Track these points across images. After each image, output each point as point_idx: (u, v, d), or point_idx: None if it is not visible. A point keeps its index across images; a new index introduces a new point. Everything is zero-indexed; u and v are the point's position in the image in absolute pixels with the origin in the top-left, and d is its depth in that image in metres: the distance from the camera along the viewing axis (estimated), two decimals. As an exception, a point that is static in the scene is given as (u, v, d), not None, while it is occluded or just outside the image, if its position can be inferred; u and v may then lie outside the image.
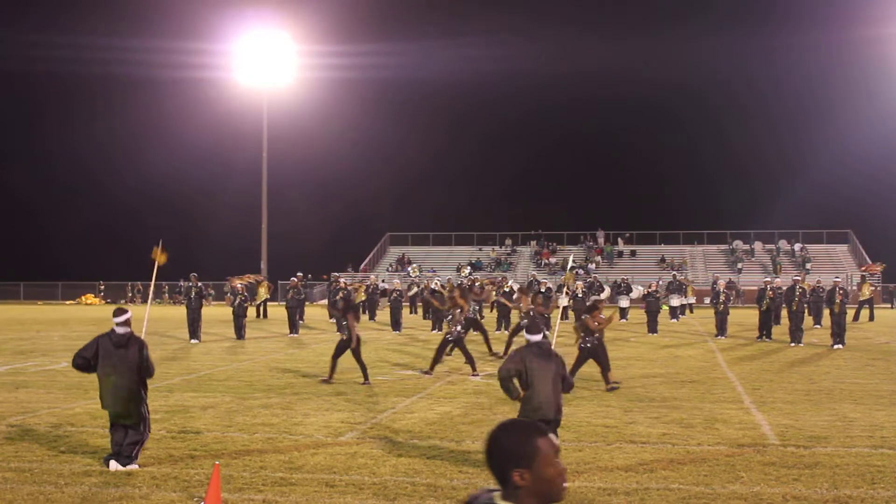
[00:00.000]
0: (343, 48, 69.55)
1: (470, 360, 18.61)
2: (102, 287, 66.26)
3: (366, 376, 16.90)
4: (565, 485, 3.20)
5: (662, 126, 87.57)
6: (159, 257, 16.09)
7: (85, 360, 10.23)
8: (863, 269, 37.66)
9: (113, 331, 10.27)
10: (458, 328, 19.03)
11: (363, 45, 74.56)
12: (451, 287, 22.14)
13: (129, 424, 9.98)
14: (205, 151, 78.09)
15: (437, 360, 18.92)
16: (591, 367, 18.93)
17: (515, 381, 9.66)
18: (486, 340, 22.75)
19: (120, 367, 10.06)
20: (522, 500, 3.17)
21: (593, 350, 16.10)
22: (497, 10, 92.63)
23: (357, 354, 17.11)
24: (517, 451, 3.16)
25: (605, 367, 16.07)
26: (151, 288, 16.46)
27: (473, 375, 18.12)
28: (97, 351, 10.16)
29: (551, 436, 3.23)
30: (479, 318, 23.77)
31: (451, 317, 19.57)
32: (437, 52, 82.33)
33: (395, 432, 11.92)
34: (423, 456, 10.45)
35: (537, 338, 9.80)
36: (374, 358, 22.03)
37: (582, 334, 16.21)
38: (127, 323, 10.28)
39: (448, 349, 19.77)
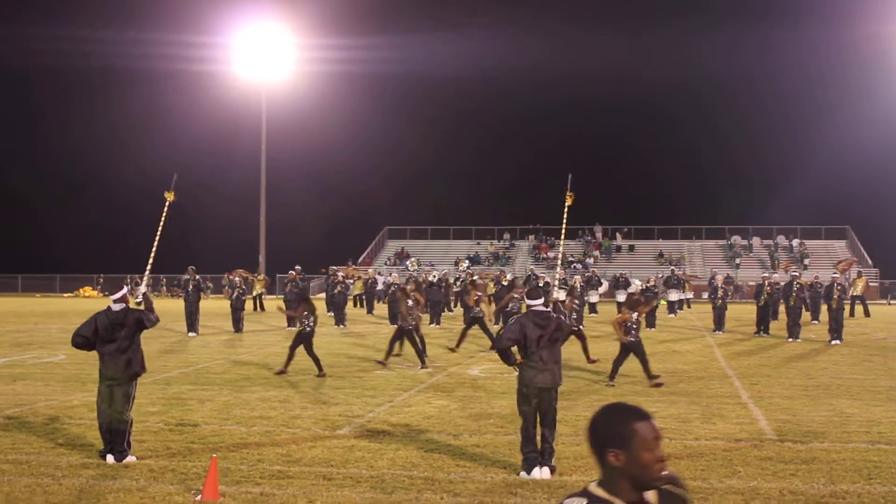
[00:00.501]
0: (342, 41, 69.54)
1: (419, 352, 18.74)
2: (101, 280, 66.23)
3: (319, 368, 17.20)
4: (664, 472, 3.20)
5: (661, 122, 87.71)
6: (169, 195, 16.27)
7: (84, 339, 10.33)
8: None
9: (109, 308, 10.37)
10: (412, 320, 19.06)
11: (362, 39, 74.52)
12: (414, 284, 22.37)
13: (115, 398, 9.99)
14: (203, 145, 78.08)
15: (390, 351, 19.14)
16: (601, 364, 18.96)
17: (514, 348, 9.67)
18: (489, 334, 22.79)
19: (119, 342, 10.17)
20: (616, 483, 3.18)
21: (636, 345, 16.01)
22: (498, 5, 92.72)
23: (308, 348, 17.45)
24: (614, 432, 3.18)
25: (645, 363, 15.98)
26: (160, 227, 16.17)
27: (421, 367, 18.28)
28: (96, 328, 10.24)
29: (653, 421, 3.22)
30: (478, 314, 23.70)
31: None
32: (437, 46, 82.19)
33: (392, 426, 11.93)
34: (421, 449, 10.46)
35: (538, 303, 9.79)
36: (373, 351, 22.05)
37: (630, 325, 16.03)
38: (123, 299, 10.43)
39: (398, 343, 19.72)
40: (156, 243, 15.25)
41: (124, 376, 10.12)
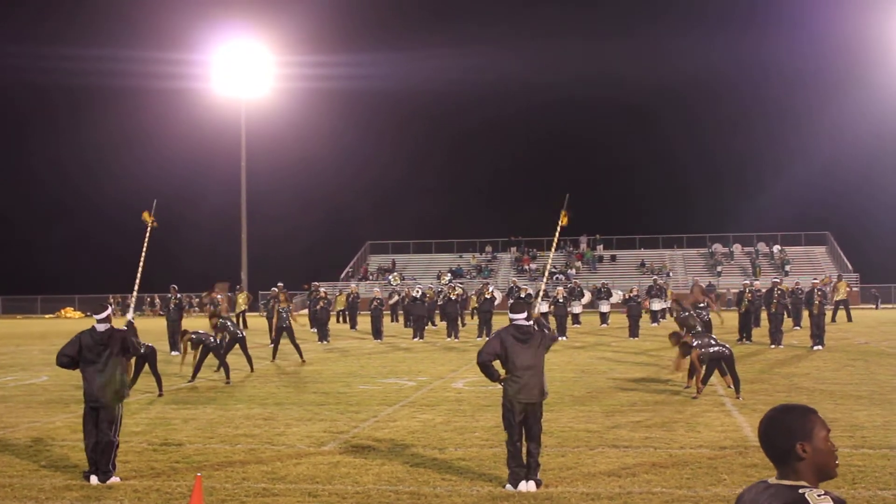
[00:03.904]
0: (319, 58, 69.62)
1: (225, 367, 19.16)
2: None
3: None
4: (837, 462, 3.43)
5: (641, 132, 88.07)
6: (148, 219, 16.09)
7: (69, 358, 10.29)
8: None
9: (93, 328, 10.31)
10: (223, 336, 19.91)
11: (339, 56, 74.71)
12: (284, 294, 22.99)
13: (101, 419, 9.94)
14: (184, 162, 77.91)
15: (198, 368, 19.18)
16: (577, 372, 19.00)
17: (497, 363, 9.65)
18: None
19: (103, 361, 10.11)
20: (802, 474, 3.37)
21: (724, 356, 15.66)
22: (474, 16, 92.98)
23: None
24: (798, 426, 3.41)
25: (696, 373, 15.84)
26: (143, 254, 16.06)
27: (226, 382, 18.72)
28: (80, 347, 10.18)
29: (822, 416, 3.47)
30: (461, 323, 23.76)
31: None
32: (412, 61, 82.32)
33: (377, 441, 11.91)
34: (406, 464, 10.44)
35: (520, 317, 9.76)
36: (356, 366, 22.01)
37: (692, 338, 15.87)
38: (107, 319, 10.37)
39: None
40: (139, 272, 15.09)
41: (109, 398, 10.06)
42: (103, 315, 10.39)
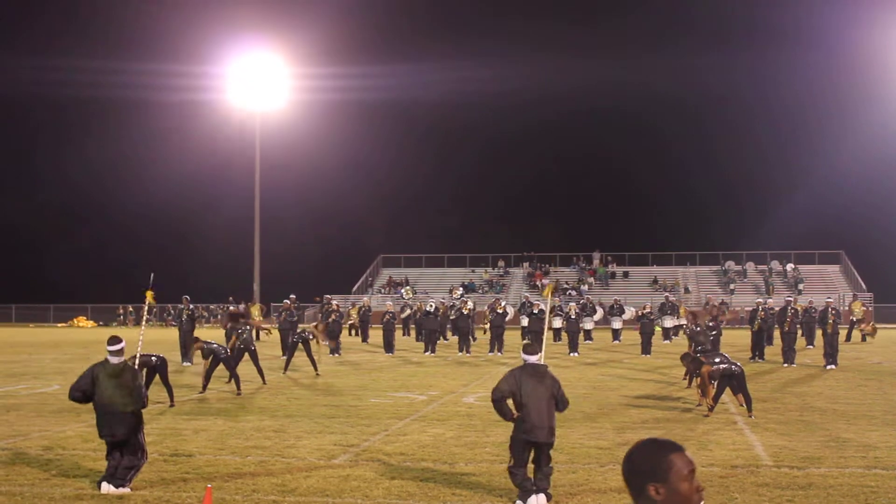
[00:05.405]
0: (335, 70, 69.86)
1: (236, 379, 19.24)
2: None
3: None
4: (702, 503, 3.25)
5: (653, 147, 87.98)
6: (149, 296, 16.04)
7: (82, 394, 10.26)
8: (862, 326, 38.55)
9: (107, 360, 10.29)
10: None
11: (355, 68, 74.92)
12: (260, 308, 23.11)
13: (125, 450, 9.96)
14: (198, 174, 78.23)
15: (208, 378, 19.29)
16: (589, 388, 18.96)
17: (509, 401, 9.63)
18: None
19: (116, 395, 10.06)
20: None
21: (734, 374, 15.49)
22: (489, 31, 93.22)
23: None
24: (652, 466, 3.23)
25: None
26: (143, 322, 16.35)
27: (237, 393, 18.86)
28: (93, 381, 10.16)
29: (687, 453, 3.28)
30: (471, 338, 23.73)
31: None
32: (429, 74, 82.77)
33: (387, 455, 11.89)
34: (417, 478, 10.41)
35: (533, 358, 9.75)
36: (367, 380, 22.00)
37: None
38: (121, 352, 10.32)
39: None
40: (140, 338, 14.95)
41: (125, 429, 10.00)
42: (117, 347, 10.32)
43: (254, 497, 9.53)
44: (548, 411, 9.47)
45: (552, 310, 21.87)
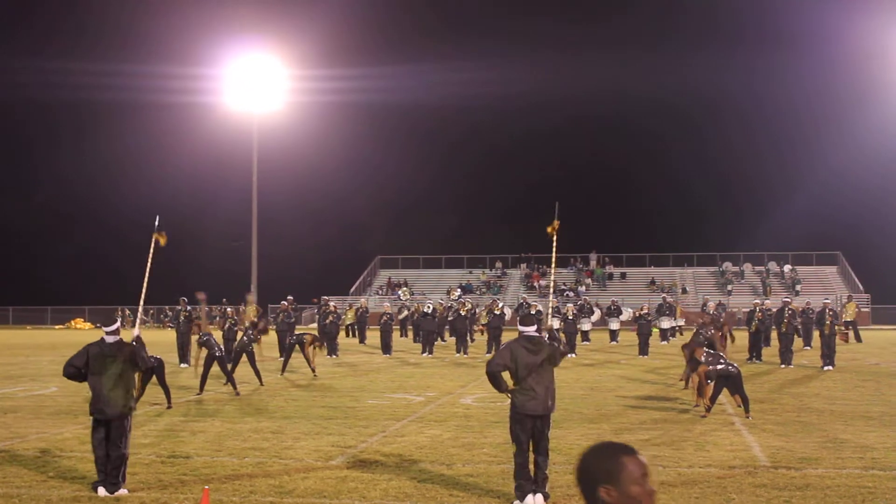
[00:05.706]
0: (333, 72, 69.70)
1: (232, 381, 19.29)
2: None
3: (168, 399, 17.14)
4: None
5: (651, 148, 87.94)
6: (161, 238, 16.03)
7: (76, 369, 10.33)
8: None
9: (102, 339, 10.34)
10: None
11: (353, 70, 74.72)
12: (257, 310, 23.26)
13: (111, 433, 9.95)
14: (195, 176, 78.13)
15: (204, 379, 19.32)
16: (586, 389, 18.96)
17: (506, 374, 9.63)
18: None
19: (111, 374, 10.11)
20: None
21: (731, 374, 15.45)
22: (486, 34, 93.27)
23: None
24: (604, 468, 3.21)
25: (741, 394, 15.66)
26: (146, 281, 15.97)
27: (235, 394, 18.95)
28: (87, 359, 10.20)
29: (640, 456, 3.26)
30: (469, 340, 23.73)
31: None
32: (428, 76, 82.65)
33: (385, 456, 11.89)
34: (414, 479, 10.41)
35: (529, 329, 9.75)
36: (365, 381, 22.00)
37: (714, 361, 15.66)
38: (116, 332, 10.42)
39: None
40: (144, 286, 14.99)
41: (114, 410, 10.05)
42: (113, 327, 10.45)
43: (251, 498, 9.53)
44: (545, 383, 9.46)
45: (548, 310, 21.86)
